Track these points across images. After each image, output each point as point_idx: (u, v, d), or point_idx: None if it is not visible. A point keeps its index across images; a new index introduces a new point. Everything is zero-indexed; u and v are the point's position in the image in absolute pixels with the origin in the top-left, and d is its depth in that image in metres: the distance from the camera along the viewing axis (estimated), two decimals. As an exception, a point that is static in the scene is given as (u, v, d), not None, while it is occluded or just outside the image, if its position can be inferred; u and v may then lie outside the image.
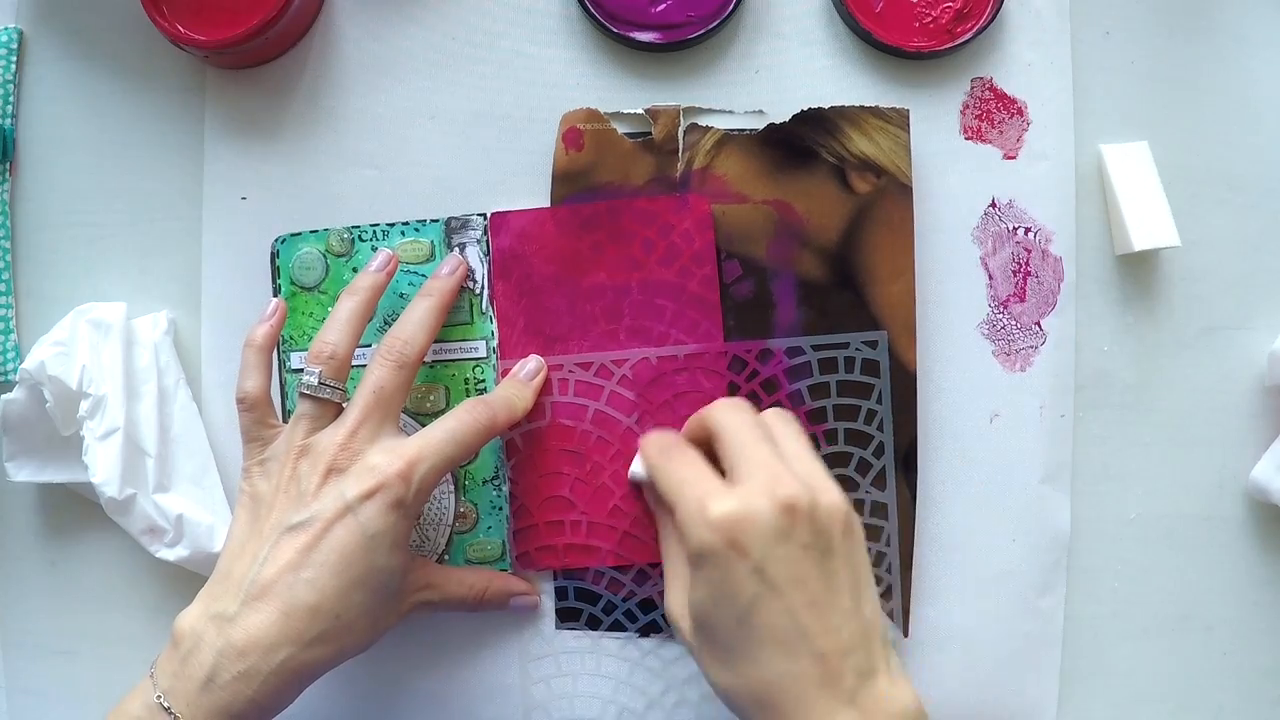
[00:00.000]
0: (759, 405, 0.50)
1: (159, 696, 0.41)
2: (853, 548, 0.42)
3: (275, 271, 0.52)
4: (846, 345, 0.50)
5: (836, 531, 0.41)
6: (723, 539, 0.39)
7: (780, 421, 0.45)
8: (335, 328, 0.47)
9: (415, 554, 0.50)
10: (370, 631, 0.44)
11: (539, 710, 0.52)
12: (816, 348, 0.50)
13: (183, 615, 0.43)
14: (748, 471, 0.41)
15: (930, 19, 0.51)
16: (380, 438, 0.45)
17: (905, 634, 0.51)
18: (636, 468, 0.48)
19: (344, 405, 0.46)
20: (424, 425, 0.47)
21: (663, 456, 0.44)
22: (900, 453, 0.51)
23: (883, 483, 0.51)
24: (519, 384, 0.50)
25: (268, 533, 0.44)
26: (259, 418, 0.47)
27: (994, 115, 0.52)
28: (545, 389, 0.51)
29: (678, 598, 0.43)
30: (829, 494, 0.41)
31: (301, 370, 0.48)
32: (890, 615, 0.51)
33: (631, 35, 0.50)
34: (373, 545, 0.43)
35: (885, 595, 0.51)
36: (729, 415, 0.44)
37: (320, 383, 0.46)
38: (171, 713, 0.41)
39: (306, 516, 0.43)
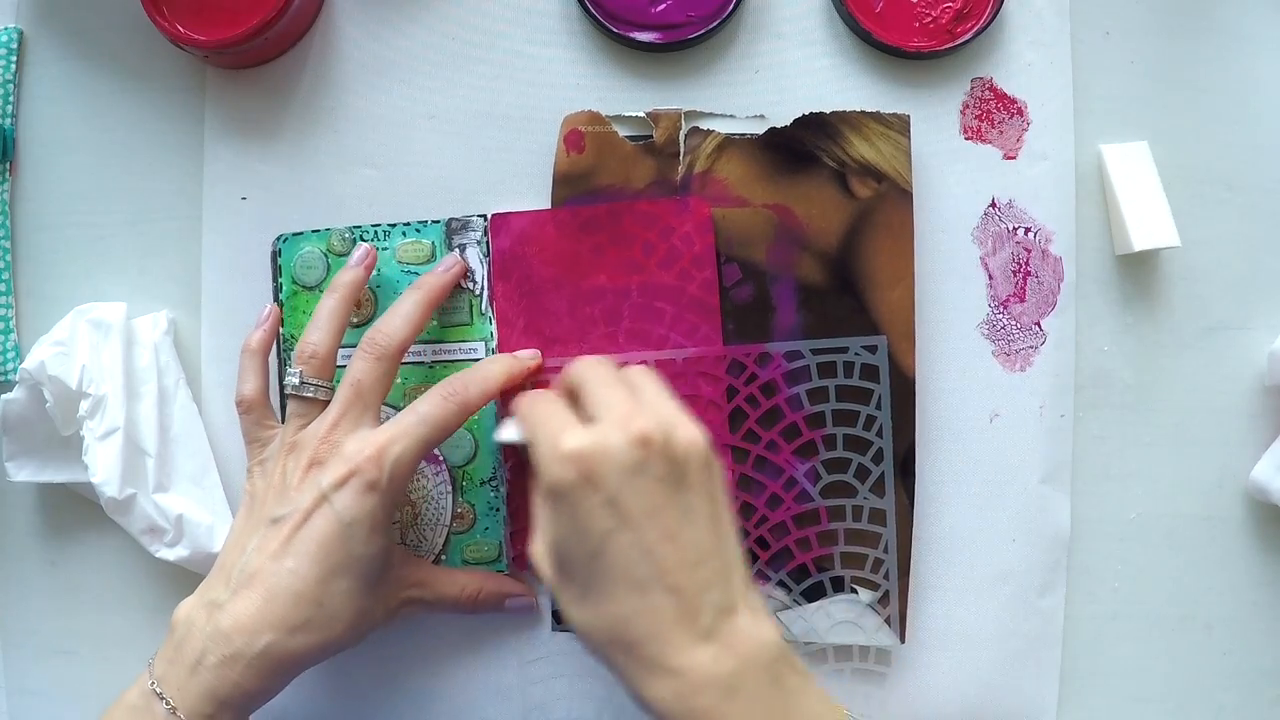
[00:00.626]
0: (757, 409, 0.50)
1: (153, 683, 0.42)
2: (711, 484, 0.41)
3: (276, 270, 0.52)
4: (845, 350, 0.50)
5: (694, 466, 0.40)
6: (576, 472, 0.39)
7: (641, 373, 0.44)
8: (316, 327, 0.47)
9: (409, 552, 0.50)
10: (356, 623, 0.45)
11: (537, 710, 0.52)
12: (815, 351, 0.50)
13: (180, 605, 0.45)
14: (603, 413, 0.41)
15: (930, 19, 0.51)
16: (360, 429, 0.45)
17: (902, 640, 0.51)
18: (506, 429, 0.46)
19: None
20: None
21: (526, 402, 0.44)
22: (898, 458, 0.51)
23: (881, 489, 0.51)
24: (496, 360, 0.49)
25: (255, 524, 0.45)
26: (257, 419, 0.48)
27: (994, 115, 0.52)
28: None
29: (537, 541, 0.42)
30: (686, 429, 0.41)
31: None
32: (888, 622, 0.51)
33: (631, 35, 0.50)
34: (350, 532, 0.43)
35: (883, 601, 0.51)
36: (588, 368, 0.44)
37: (302, 382, 0.47)
38: (164, 698, 0.42)
39: (288, 509, 0.44)
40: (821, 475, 0.51)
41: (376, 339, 0.46)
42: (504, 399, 0.49)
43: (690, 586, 0.39)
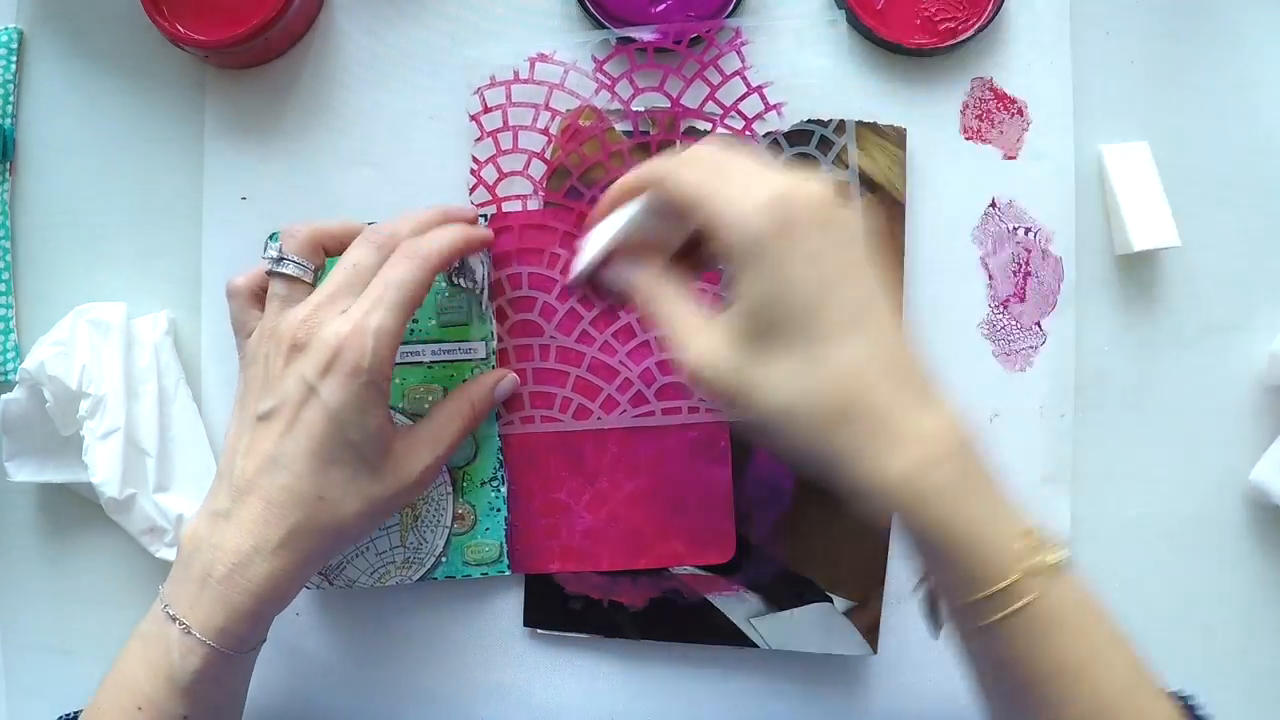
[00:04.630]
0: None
1: (165, 606, 0.42)
2: (873, 262, 0.38)
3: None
4: None
5: (863, 237, 0.38)
6: (769, 220, 0.36)
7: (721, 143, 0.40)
8: (312, 222, 0.45)
9: (405, 429, 0.46)
10: (364, 510, 0.43)
11: (538, 710, 0.52)
12: None
13: (187, 525, 0.43)
14: (761, 178, 0.37)
15: (930, 16, 0.51)
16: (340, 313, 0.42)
17: (874, 650, 0.51)
18: (629, 207, 0.41)
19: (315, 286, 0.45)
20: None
21: (686, 165, 0.39)
22: None
23: None
24: (444, 227, 0.46)
25: (245, 422, 0.43)
26: (243, 305, 0.46)
27: (994, 115, 0.52)
28: (545, 393, 0.51)
29: (705, 343, 0.38)
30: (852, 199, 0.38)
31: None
32: (863, 633, 0.51)
33: (631, 35, 0.50)
34: (341, 420, 0.41)
35: (858, 609, 0.51)
36: (709, 149, 0.39)
37: (281, 256, 0.44)
38: (176, 619, 0.41)
39: (274, 403, 0.42)
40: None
41: (381, 229, 0.44)
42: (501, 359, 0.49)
43: (901, 350, 0.37)
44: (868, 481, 0.36)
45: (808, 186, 0.37)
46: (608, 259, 0.42)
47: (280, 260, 0.44)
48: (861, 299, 0.37)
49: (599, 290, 0.44)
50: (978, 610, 0.37)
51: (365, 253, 0.44)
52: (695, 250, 0.43)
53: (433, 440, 0.46)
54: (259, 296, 0.46)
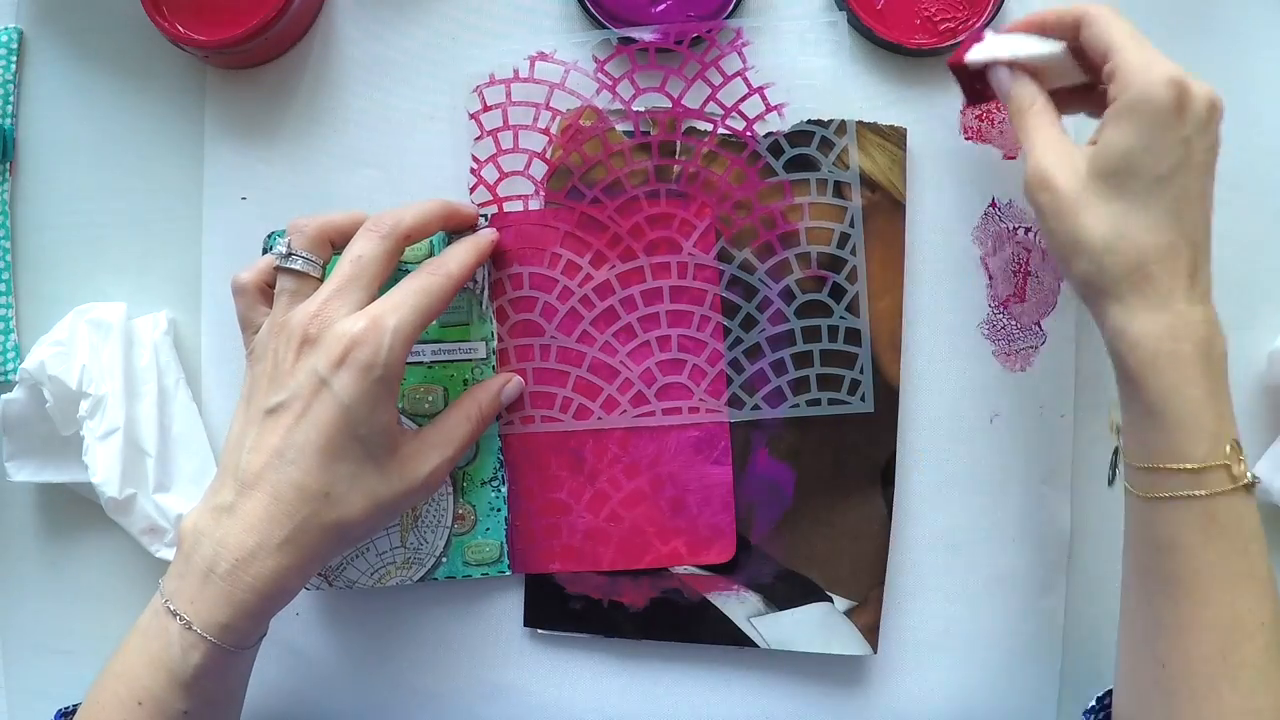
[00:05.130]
0: (740, 372, 0.50)
1: (166, 601, 0.41)
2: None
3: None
4: (830, 313, 0.50)
5: (1216, 149, 0.42)
6: (1172, 95, 0.40)
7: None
8: (317, 215, 0.46)
9: (414, 431, 0.47)
10: (369, 509, 0.43)
11: (538, 710, 0.52)
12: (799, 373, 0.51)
13: (185, 517, 0.43)
14: (1168, 61, 0.42)
15: (930, 16, 0.51)
16: (354, 307, 0.43)
17: (874, 650, 0.51)
18: (1055, 44, 0.46)
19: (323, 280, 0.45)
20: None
21: (1118, 17, 0.44)
22: (879, 467, 0.51)
23: (861, 497, 0.51)
24: (465, 241, 0.48)
25: (253, 416, 0.43)
26: (250, 302, 0.46)
27: (994, 115, 0.52)
28: (545, 393, 0.51)
29: (1057, 159, 0.43)
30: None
31: None
32: (863, 633, 0.51)
33: (631, 35, 0.50)
34: (351, 415, 0.41)
35: (859, 609, 0.51)
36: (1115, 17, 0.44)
37: (290, 253, 0.45)
38: (177, 614, 0.41)
39: (284, 397, 0.42)
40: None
41: (383, 219, 0.45)
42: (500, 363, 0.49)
43: (1201, 248, 0.42)
44: (1127, 325, 0.41)
45: (1207, 88, 0.42)
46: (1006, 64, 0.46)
47: (289, 256, 0.45)
48: (1195, 193, 0.41)
49: (973, 77, 0.47)
50: (1165, 481, 0.41)
51: (369, 244, 0.44)
52: (1071, 92, 0.47)
53: (441, 443, 0.46)
54: (265, 292, 0.46)
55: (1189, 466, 0.40)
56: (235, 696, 0.45)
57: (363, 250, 0.44)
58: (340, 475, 0.42)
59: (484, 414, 0.48)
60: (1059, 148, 0.43)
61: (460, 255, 0.47)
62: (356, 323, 0.42)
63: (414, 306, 0.43)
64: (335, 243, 0.46)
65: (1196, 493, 0.40)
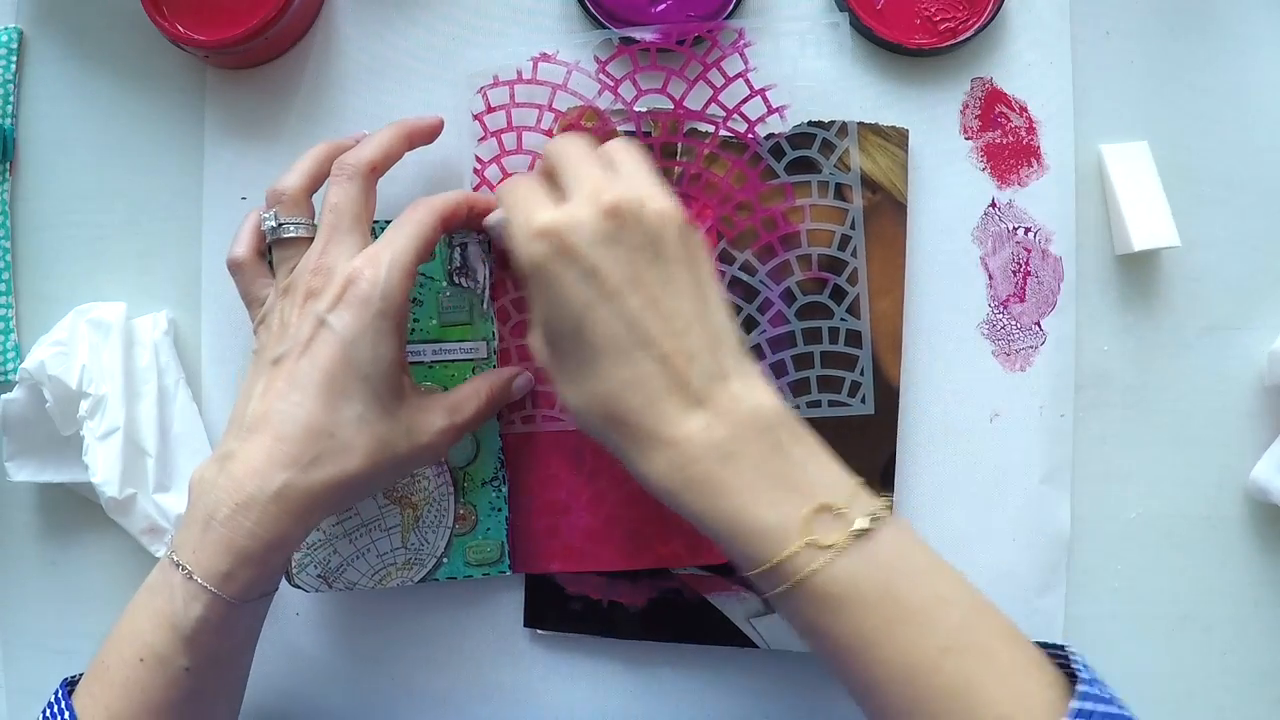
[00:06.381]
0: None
1: (171, 553, 0.41)
2: (691, 253, 0.40)
3: (269, 265, 0.51)
4: (831, 315, 0.50)
5: (670, 235, 0.40)
6: (550, 246, 0.39)
7: (619, 146, 0.43)
8: (285, 173, 0.46)
9: (428, 387, 0.47)
10: (375, 454, 0.42)
11: (538, 710, 0.52)
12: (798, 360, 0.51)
13: (195, 469, 0.43)
14: (576, 187, 0.40)
15: (930, 16, 0.51)
16: (351, 252, 0.43)
17: None
18: (494, 215, 0.48)
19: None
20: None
21: (505, 186, 0.43)
22: (879, 468, 0.51)
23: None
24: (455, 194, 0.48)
25: (260, 369, 0.43)
26: (250, 278, 0.47)
27: (994, 115, 0.52)
28: (546, 393, 0.51)
29: (533, 327, 0.43)
30: (659, 200, 0.40)
31: None
32: None
33: (631, 35, 0.50)
34: (352, 350, 0.41)
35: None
36: (564, 145, 0.43)
37: (280, 223, 0.45)
38: (179, 564, 0.40)
39: (288, 345, 0.42)
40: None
41: (346, 160, 0.45)
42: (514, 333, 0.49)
43: (676, 354, 0.39)
44: (644, 473, 0.40)
45: (584, 212, 0.39)
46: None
47: (279, 227, 0.45)
48: (630, 314, 0.39)
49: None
50: (759, 584, 0.39)
51: (339, 190, 0.44)
52: None
53: (451, 408, 0.46)
54: (260, 260, 0.47)
55: (764, 567, 0.38)
56: (238, 660, 0.44)
57: (337, 197, 0.44)
58: (346, 418, 0.41)
59: (494, 396, 0.48)
60: (534, 325, 0.43)
61: (443, 198, 0.46)
62: (353, 261, 0.42)
63: (409, 235, 0.43)
64: (314, 192, 0.46)
65: (789, 583, 0.38)
